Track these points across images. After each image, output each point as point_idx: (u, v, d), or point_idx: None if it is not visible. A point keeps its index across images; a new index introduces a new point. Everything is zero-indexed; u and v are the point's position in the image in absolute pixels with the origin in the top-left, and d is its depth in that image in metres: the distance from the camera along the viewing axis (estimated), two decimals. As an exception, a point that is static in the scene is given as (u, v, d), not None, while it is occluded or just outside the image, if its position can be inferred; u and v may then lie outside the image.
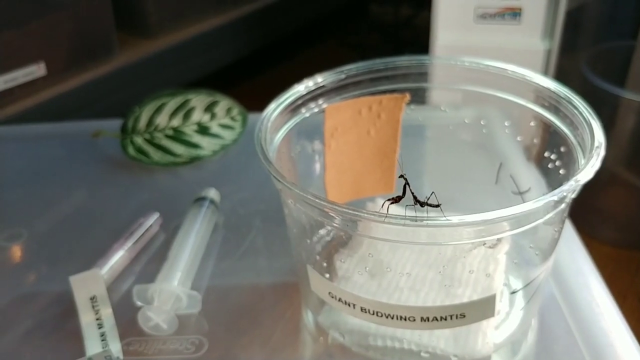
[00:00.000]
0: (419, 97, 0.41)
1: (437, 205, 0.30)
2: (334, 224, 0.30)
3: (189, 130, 0.55)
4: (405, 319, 0.31)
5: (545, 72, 0.83)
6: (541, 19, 0.84)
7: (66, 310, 0.39)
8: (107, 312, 0.37)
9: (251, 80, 1.56)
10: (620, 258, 1.03)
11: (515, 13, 0.84)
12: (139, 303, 0.38)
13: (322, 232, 0.39)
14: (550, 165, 0.38)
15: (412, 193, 0.31)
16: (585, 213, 1.05)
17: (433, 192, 0.31)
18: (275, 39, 1.48)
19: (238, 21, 1.33)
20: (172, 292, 0.38)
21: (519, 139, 0.41)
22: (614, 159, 1.04)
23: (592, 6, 1.12)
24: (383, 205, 0.30)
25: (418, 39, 0.92)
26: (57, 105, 1.01)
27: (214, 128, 0.56)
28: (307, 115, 0.38)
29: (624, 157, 1.06)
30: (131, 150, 0.54)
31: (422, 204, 0.30)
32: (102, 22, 1.08)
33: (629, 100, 0.93)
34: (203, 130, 0.55)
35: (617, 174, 1.05)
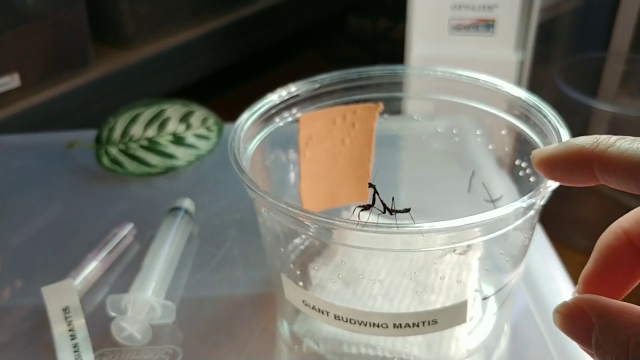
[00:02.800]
0: (392, 106, 0.42)
1: (407, 210, 0.30)
2: (309, 233, 0.30)
3: (164, 140, 0.55)
4: (378, 326, 0.31)
5: (518, 83, 0.84)
6: (514, 30, 0.86)
7: (40, 322, 0.39)
8: (79, 323, 0.37)
9: (229, 91, 1.56)
10: (594, 266, 1.04)
11: (488, 25, 0.85)
12: (112, 313, 0.38)
13: (296, 240, 0.39)
14: (521, 173, 0.39)
15: (382, 201, 0.31)
16: (560, 222, 1.07)
17: (393, 198, 0.31)
18: (253, 51, 1.49)
19: (215, 33, 1.34)
20: (146, 302, 0.38)
21: (490, 147, 0.42)
22: (587, 169, 1.06)
23: (565, 18, 1.15)
24: (353, 211, 0.30)
25: (396, 51, 0.93)
26: (31, 116, 1.00)
27: (189, 138, 0.56)
28: (281, 124, 0.38)
29: (596, 166, 1.07)
30: (106, 160, 0.54)
31: (391, 212, 0.31)
32: (77, 32, 1.07)
33: (601, 111, 0.95)
34: (178, 140, 0.55)
35: (590, 183, 1.07)
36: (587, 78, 1.05)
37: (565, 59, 1.05)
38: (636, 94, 1.08)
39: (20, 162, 0.58)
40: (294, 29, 1.60)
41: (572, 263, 1.04)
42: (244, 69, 1.59)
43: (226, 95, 1.55)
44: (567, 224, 1.09)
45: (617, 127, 1.01)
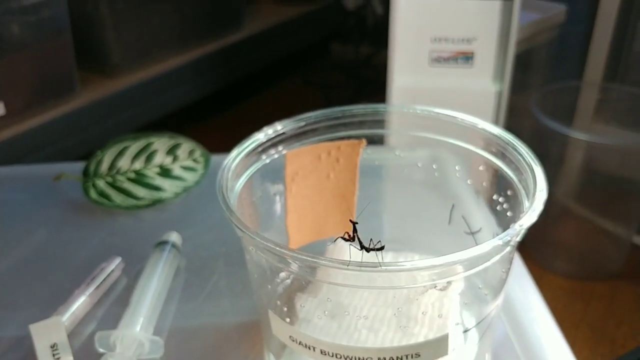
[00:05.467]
0: (375, 143, 0.43)
1: (381, 248, 0.32)
2: (294, 271, 0.31)
3: (151, 172, 0.56)
4: (363, 360, 0.32)
5: (496, 113, 0.87)
6: (492, 62, 0.88)
7: (26, 355, 0.39)
8: (68, 360, 0.38)
9: (215, 118, 1.57)
10: (574, 289, 1.06)
11: (467, 57, 0.88)
12: (101, 350, 0.38)
13: (282, 275, 0.40)
14: (498, 208, 0.40)
15: (359, 239, 0.32)
16: (539, 246, 1.09)
17: (371, 239, 0.32)
18: (239, 78, 1.51)
19: (201, 60, 1.35)
20: (135, 338, 0.38)
21: (469, 182, 0.43)
22: (565, 194, 1.09)
23: (541, 49, 1.18)
24: (335, 240, 0.31)
25: (378, 77, 0.95)
26: (17, 145, 1.00)
27: (176, 170, 0.57)
28: (268, 161, 0.39)
29: (574, 191, 1.10)
30: (93, 193, 0.54)
31: (368, 250, 0.32)
32: (63, 61, 1.08)
33: (576, 140, 0.97)
34: (165, 172, 0.56)
35: (568, 208, 1.10)
36: (562, 107, 1.08)
37: (542, 88, 1.08)
38: (610, 121, 1.11)
39: (6, 195, 0.59)
40: (278, 56, 1.63)
41: (552, 286, 1.06)
42: (230, 95, 1.60)
43: (212, 121, 1.56)
44: (547, 248, 1.11)
45: (592, 155, 1.04)
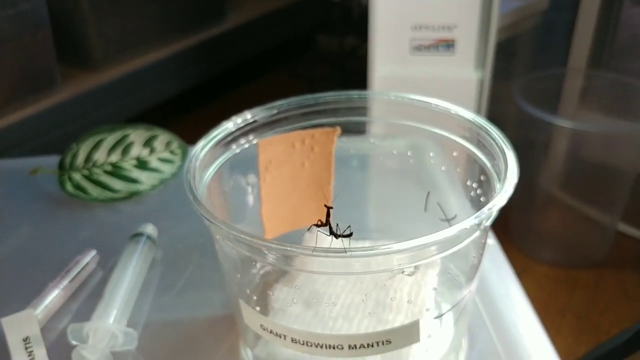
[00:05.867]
0: (349, 130, 0.43)
1: (349, 235, 0.32)
2: (267, 260, 0.31)
3: (128, 165, 0.55)
4: (334, 348, 0.32)
5: (479, 100, 0.86)
6: (473, 50, 0.88)
7: (0, 352, 0.39)
8: (40, 353, 0.37)
9: (200, 111, 1.56)
10: (559, 277, 1.07)
11: (448, 45, 0.88)
12: (74, 342, 0.38)
13: (252, 264, 0.40)
14: (472, 193, 0.40)
15: (330, 225, 0.32)
16: (524, 235, 1.09)
17: (337, 224, 0.32)
18: (222, 70, 1.50)
19: (184, 53, 1.34)
20: (108, 330, 0.38)
21: (443, 168, 0.43)
22: (549, 182, 1.09)
23: (524, 36, 1.18)
24: (309, 229, 0.31)
25: (363, 69, 0.95)
26: (-2, 139, 0.99)
27: (153, 162, 0.56)
28: (238, 151, 0.39)
29: (558, 179, 1.10)
30: (69, 186, 0.54)
31: (336, 236, 0.32)
32: (43, 55, 1.07)
33: (561, 127, 0.97)
34: (142, 164, 0.56)
35: (553, 196, 1.10)
36: (547, 94, 1.08)
37: (526, 76, 1.08)
38: (595, 109, 1.11)
39: (-18, 189, 0.58)
40: (262, 48, 1.62)
41: (538, 275, 1.07)
42: (214, 88, 1.59)
43: (198, 113, 1.55)
44: (532, 237, 1.11)
45: (577, 142, 1.04)
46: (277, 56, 1.81)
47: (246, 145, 0.39)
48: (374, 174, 0.48)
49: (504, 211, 0.32)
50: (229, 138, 0.38)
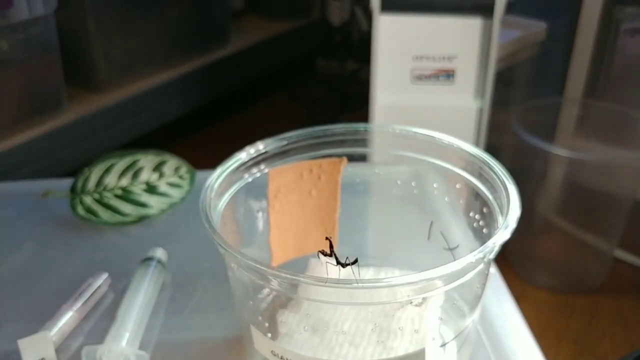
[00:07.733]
0: (355, 161, 0.44)
1: (354, 262, 0.33)
2: (275, 288, 0.32)
3: (138, 189, 0.57)
4: (342, 374, 0.33)
5: (477, 129, 0.88)
6: (473, 79, 0.90)
7: (13, 372, 0.40)
8: (54, 375, 0.38)
9: (202, 133, 1.58)
10: (556, 302, 1.08)
11: (448, 74, 0.90)
12: (87, 364, 0.39)
13: (264, 291, 0.41)
14: (475, 225, 0.42)
15: (335, 255, 0.33)
16: (522, 260, 1.11)
17: (347, 257, 0.34)
18: (225, 94, 1.52)
19: (188, 76, 1.36)
20: (121, 353, 0.39)
21: (446, 199, 0.45)
22: (547, 209, 1.11)
23: (522, 66, 1.21)
24: (318, 254, 0.33)
25: (363, 92, 0.97)
26: (5, 161, 1.00)
27: (162, 187, 0.57)
28: (250, 179, 0.40)
29: (556, 206, 1.12)
30: (80, 210, 0.55)
31: (344, 265, 0.33)
32: (51, 77, 1.09)
33: (558, 156, 0.99)
34: (151, 189, 0.57)
35: (550, 223, 1.11)
36: (544, 123, 1.10)
37: (523, 105, 1.10)
38: (591, 137, 1.13)
39: (-6, 211, 0.59)
40: (264, 72, 1.64)
41: (535, 300, 1.07)
42: (216, 110, 1.61)
43: (199, 136, 1.57)
44: (530, 262, 1.12)
45: (574, 170, 1.06)
46: (277, 80, 1.83)
47: (258, 174, 0.41)
48: (379, 201, 0.50)
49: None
50: (242, 167, 0.40)
